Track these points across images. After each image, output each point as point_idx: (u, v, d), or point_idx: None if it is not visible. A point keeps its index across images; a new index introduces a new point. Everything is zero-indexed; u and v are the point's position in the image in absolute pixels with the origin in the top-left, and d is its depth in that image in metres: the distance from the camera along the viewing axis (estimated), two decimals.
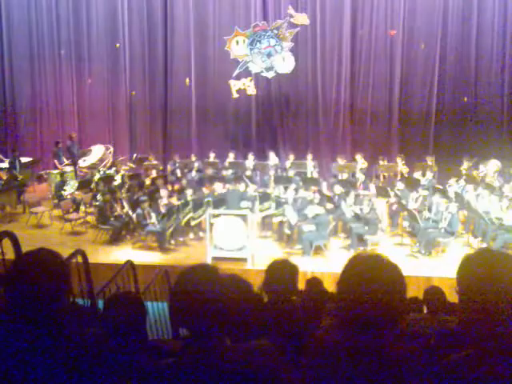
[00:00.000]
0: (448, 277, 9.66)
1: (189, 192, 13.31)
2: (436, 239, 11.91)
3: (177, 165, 16.52)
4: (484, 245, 11.72)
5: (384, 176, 16.28)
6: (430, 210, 12.64)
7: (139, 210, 12.41)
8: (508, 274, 1.96)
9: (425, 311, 6.57)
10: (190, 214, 12.64)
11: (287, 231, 12.39)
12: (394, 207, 13.44)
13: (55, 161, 16.96)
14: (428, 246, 11.82)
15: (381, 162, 16.30)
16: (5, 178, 15.25)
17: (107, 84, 19.04)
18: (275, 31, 16.83)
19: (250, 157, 16.63)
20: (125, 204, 13.24)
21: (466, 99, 17.46)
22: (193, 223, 12.79)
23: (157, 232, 12.12)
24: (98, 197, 13.46)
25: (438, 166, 16.08)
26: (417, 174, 15.24)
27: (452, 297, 6.76)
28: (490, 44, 17.31)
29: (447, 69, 17.56)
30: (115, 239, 12.59)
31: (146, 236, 12.43)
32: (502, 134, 17.43)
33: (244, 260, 11.33)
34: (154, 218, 12.20)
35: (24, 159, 17.09)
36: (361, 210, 12.34)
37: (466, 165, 15.74)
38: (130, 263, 7.24)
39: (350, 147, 18.08)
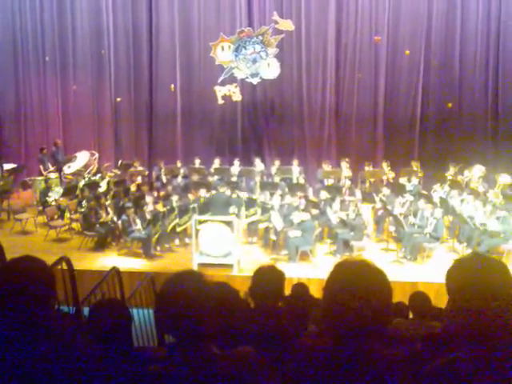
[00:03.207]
0: (433, 282, 9.71)
1: (174, 198, 13.29)
2: (421, 244, 11.97)
3: (162, 171, 16.47)
4: (469, 250, 11.77)
5: (370, 182, 16.33)
6: (415, 215, 12.68)
7: (124, 217, 12.35)
8: (498, 279, 1.97)
9: (411, 316, 6.58)
10: (176, 221, 12.61)
11: (273, 237, 12.38)
12: (380, 213, 13.49)
13: (40, 167, 16.85)
14: (413, 252, 11.87)
15: (366, 168, 16.37)
16: None
17: (92, 90, 18.94)
18: (260, 37, 16.83)
19: (236, 163, 16.63)
20: (110, 210, 13.18)
21: (450, 105, 17.58)
22: (178, 229, 12.75)
23: (142, 238, 12.07)
24: (83, 203, 13.38)
25: (423, 171, 16.18)
26: (402, 180, 15.31)
27: (437, 302, 6.80)
28: (474, 50, 17.45)
29: (432, 75, 17.68)
30: (100, 246, 12.52)
31: (132, 242, 12.38)
32: (486, 139, 17.53)
33: (230, 266, 11.30)
34: (139, 225, 12.16)
35: (8, 165, 16.95)
36: (347, 215, 12.37)
37: (452, 170, 15.83)
38: (115, 270, 7.20)
39: (336, 153, 18.12)
